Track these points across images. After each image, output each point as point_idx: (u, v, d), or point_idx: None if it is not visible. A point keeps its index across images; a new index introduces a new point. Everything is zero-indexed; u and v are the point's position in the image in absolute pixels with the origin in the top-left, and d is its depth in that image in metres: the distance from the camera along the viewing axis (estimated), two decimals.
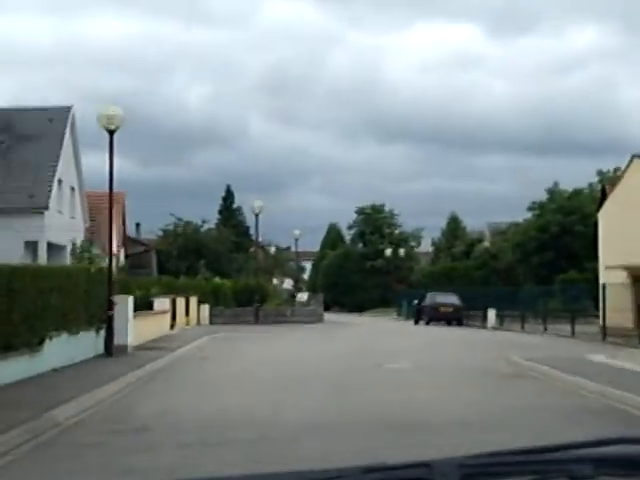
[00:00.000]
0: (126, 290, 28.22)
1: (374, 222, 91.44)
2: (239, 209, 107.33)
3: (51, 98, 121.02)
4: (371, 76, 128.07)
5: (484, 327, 45.63)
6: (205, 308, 48.36)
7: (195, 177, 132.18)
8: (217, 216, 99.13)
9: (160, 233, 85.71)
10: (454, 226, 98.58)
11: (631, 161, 40.50)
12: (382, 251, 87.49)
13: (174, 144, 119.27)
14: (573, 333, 38.12)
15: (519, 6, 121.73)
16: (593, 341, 34.29)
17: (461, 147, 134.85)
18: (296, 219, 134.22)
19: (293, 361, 23.76)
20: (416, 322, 53.60)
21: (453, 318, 50.42)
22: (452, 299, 51.39)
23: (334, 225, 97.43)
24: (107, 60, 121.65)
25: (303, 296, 63.06)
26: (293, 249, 79.29)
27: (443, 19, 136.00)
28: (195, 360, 24.54)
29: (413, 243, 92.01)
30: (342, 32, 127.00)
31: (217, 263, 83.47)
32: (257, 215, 53.34)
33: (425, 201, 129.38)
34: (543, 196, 70.74)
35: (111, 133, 24.64)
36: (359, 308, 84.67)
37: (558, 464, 1.90)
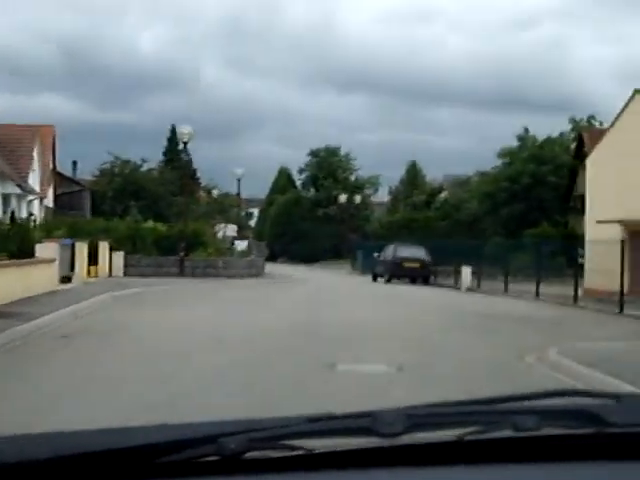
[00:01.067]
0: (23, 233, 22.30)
1: (328, 166, 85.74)
2: (186, 151, 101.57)
3: None
4: (328, 24, 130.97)
5: (457, 288, 39.81)
6: (119, 256, 40.90)
7: (145, 122, 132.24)
8: (162, 158, 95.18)
9: (98, 173, 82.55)
10: (413, 174, 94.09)
11: (632, 97, 34.82)
12: (336, 197, 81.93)
13: (125, 88, 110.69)
14: (537, 294, 33.57)
15: None
16: (559, 304, 29.67)
17: (417, 99, 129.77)
18: (249, 167, 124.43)
19: (193, 350, 14.42)
20: (374, 278, 47.87)
21: (419, 275, 44.82)
22: (418, 253, 45.43)
23: (285, 169, 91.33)
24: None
25: (242, 244, 56.44)
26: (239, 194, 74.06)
27: None
28: (47, 342, 15.43)
29: (369, 191, 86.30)
30: None
31: (156, 206, 78.19)
32: (186, 144, 47.08)
33: (382, 152, 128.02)
34: (511, 144, 65.58)
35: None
36: (309, 259, 79.29)
37: (503, 415, 1.94)
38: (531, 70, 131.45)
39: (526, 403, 2.00)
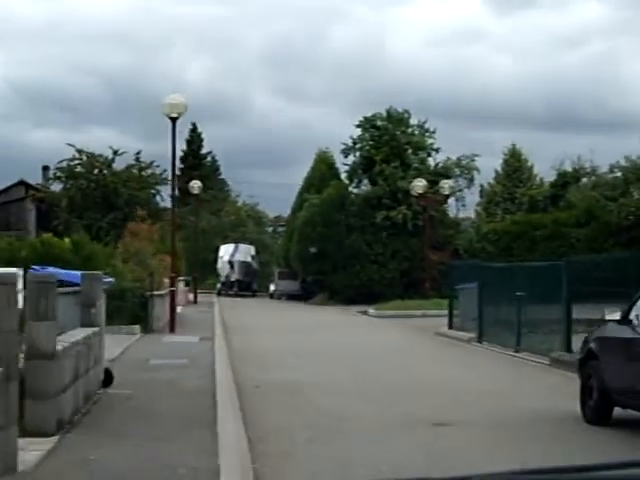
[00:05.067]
0: None
1: (391, 142, 53.06)
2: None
3: (45, 74, 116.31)
4: (375, 50, 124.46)
5: None
6: None
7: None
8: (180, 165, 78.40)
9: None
10: (516, 166, 63.22)
11: None
12: (406, 193, 49.62)
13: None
14: None
15: None
16: None
17: (467, 121, 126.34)
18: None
19: None
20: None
21: None
22: None
23: (325, 154, 58.74)
24: (103, 35, 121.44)
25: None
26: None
27: None
28: None
29: (459, 181, 53.28)
30: (344, 5, 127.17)
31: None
32: (174, 119, 25.58)
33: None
34: None
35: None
36: (364, 297, 47.24)
37: None
38: (582, 89, 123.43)
39: (612, 472, 2.22)
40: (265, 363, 17.69)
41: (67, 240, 25.07)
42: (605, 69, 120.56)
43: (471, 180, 54.17)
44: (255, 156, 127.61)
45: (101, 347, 12.17)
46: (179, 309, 38.72)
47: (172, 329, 23.93)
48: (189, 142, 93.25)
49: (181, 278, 45.05)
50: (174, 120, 24.69)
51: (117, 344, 19.74)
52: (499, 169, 69.74)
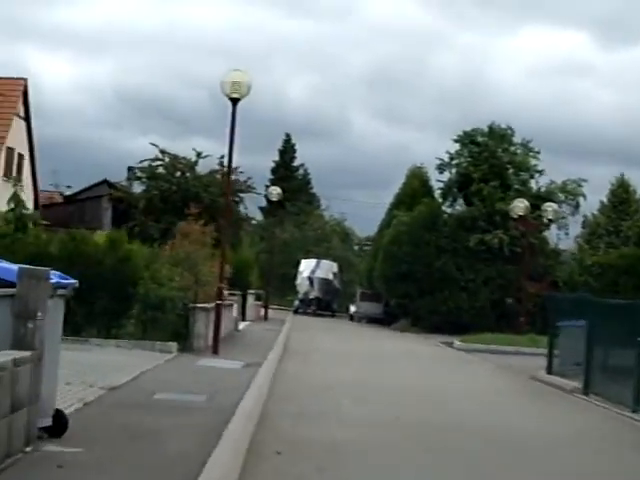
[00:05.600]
0: None
1: (490, 158, 48.68)
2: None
3: (151, 83, 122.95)
4: (477, 78, 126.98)
5: None
6: None
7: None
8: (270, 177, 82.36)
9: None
10: (624, 197, 58.58)
11: None
12: (505, 215, 45.29)
13: (273, 135, 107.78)
14: None
15: (628, 15, 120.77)
16: None
17: (570, 155, 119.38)
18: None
19: None
20: None
21: None
22: None
23: (419, 170, 54.59)
24: (205, 46, 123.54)
25: None
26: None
27: (551, 25, 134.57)
28: None
29: (563, 208, 48.48)
30: (446, 31, 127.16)
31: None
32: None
33: None
34: None
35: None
36: (452, 326, 43.17)
37: None
38: None
39: None
40: (311, 408, 13.54)
41: (103, 236, 21.50)
42: None
43: (576, 207, 49.43)
44: (350, 176, 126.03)
45: (48, 379, 8.25)
46: (243, 325, 35.00)
47: (215, 350, 20.03)
48: (281, 152, 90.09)
49: (251, 291, 41.39)
50: (235, 102, 20.89)
51: (138, 365, 15.92)
52: (604, 200, 65.31)
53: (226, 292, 27.19)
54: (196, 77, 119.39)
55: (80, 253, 20.17)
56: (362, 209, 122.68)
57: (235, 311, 29.63)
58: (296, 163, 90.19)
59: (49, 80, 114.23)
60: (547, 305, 25.58)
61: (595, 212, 66.06)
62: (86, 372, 13.51)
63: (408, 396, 16.46)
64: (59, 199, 62.26)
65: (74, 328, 17.67)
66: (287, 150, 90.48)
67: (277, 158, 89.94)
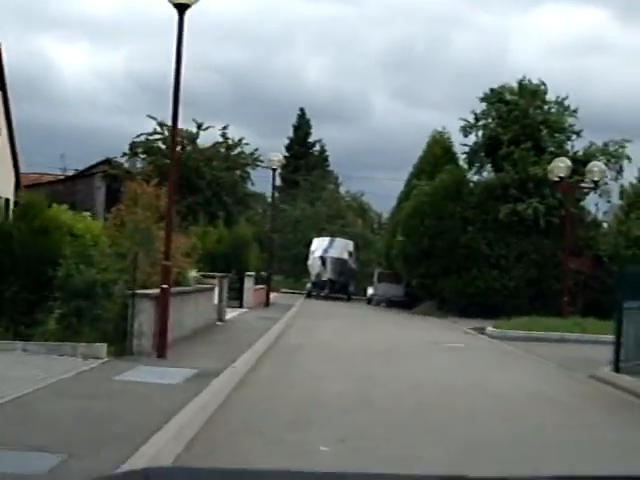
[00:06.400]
0: None
1: (521, 118, 42.78)
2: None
3: (167, 68, 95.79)
4: (496, 57, 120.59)
5: None
6: None
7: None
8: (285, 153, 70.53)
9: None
10: None
11: None
12: (538, 182, 39.65)
13: (293, 117, 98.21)
14: None
15: None
16: None
17: (588, 131, 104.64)
18: None
19: None
20: None
21: None
22: None
23: (442, 135, 48.68)
24: (226, 31, 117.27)
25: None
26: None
27: (571, 2, 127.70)
28: None
29: (604, 172, 42.44)
30: (464, 10, 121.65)
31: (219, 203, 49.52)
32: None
33: None
34: None
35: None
36: (479, 309, 37.65)
37: None
38: None
39: None
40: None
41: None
42: None
43: (619, 171, 43.39)
44: (369, 158, 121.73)
45: None
46: (235, 314, 29.45)
47: (160, 353, 14.42)
48: (296, 128, 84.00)
49: (249, 273, 35.83)
50: (182, 10, 15.21)
51: (27, 380, 10.45)
52: None
53: (194, 273, 21.65)
54: (214, 62, 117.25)
55: None
56: (381, 187, 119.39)
57: (216, 297, 24.02)
58: (312, 139, 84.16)
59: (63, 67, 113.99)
60: (618, 283, 19.67)
61: (634, 181, 60.52)
62: None
63: (430, 406, 10.80)
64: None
65: None
66: (301, 126, 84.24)
67: (291, 134, 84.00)
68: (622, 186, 52.50)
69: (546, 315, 34.16)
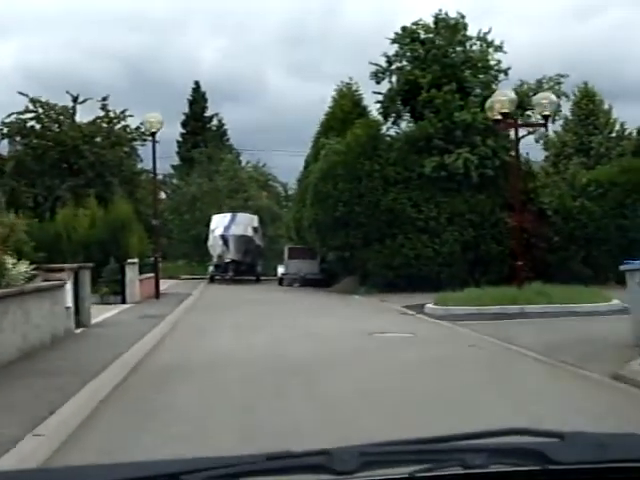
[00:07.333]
0: None
1: (441, 58, 36.73)
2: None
3: (59, 59, 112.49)
4: (392, 26, 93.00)
5: None
6: None
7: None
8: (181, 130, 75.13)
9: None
10: (590, 109, 55.10)
11: None
12: (466, 128, 33.86)
13: (189, 101, 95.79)
14: None
15: None
16: None
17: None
18: None
19: None
20: None
21: None
22: None
23: (348, 87, 42.43)
24: (116, 17, 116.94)
25: None
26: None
27: None
28: None
29: (544, 108, 36.46)
30: None
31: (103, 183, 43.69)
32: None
33: None
34: None
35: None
36: (409, 282, 31.85)
37: (453, 453, 2.01)
38: None
39: (476, 441, 2.05)
40: None
41: None
42: None
43: (558, 107, 37.33)
44: (270, 135, 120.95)
45: None
46: (110, 313, 22.81)
47: None
48: (191, 102, 77.19)
49: (131, 261, 29.26)
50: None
51: None
52: (568, 114, 55.13)
53: (25, 267, 15.00)
54: (105, 50, 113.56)
55: None
56: (284, 160, 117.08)
57: (69, 297, 17.39)
58: (209, 114, 77.64)
59: None
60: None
61: (559, 130, 55.58)
62: None
63: None
64: None
65: None
66: (197, 100, 77.56)
67: (186, 109, 77.31)
68: (547, 136, 47.24)
69: (489, 284, 28.43)
